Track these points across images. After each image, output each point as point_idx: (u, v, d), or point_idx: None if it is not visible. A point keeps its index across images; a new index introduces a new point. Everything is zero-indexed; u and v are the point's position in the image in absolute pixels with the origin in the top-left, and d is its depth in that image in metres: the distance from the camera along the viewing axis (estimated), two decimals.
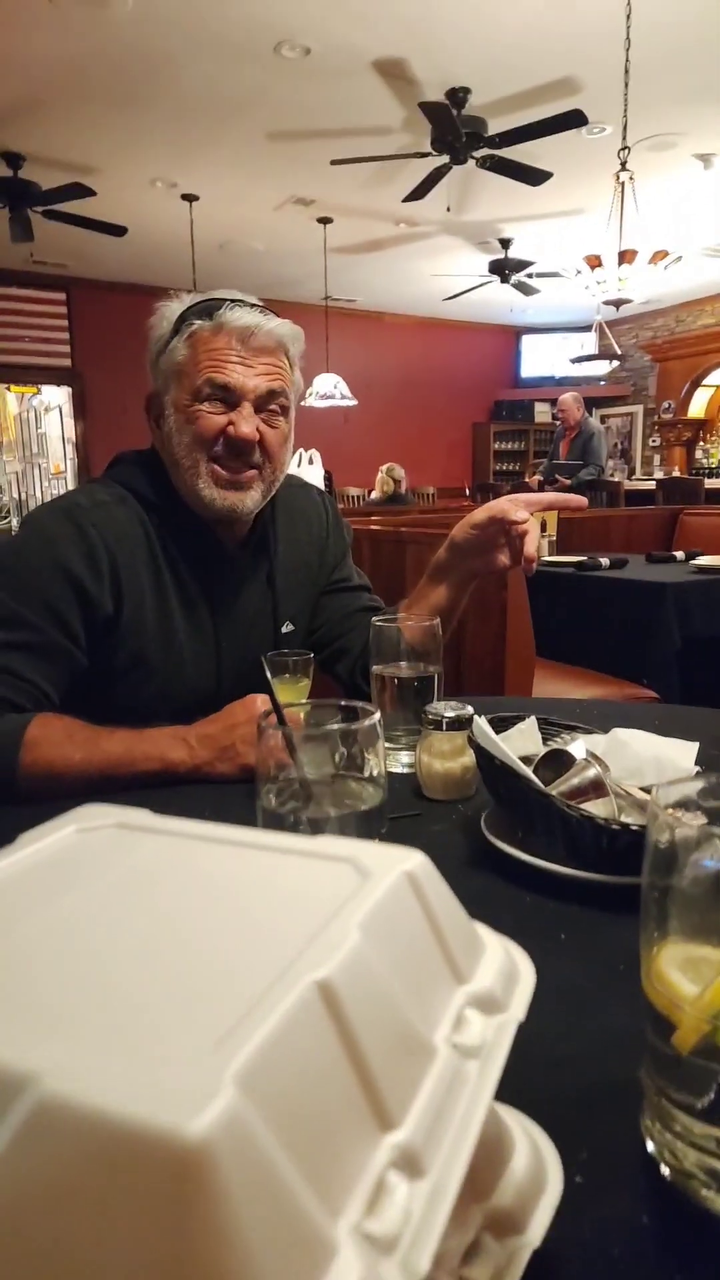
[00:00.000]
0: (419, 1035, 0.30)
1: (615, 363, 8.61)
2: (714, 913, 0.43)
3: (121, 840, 0.41)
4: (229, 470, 1.16)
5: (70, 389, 9.28)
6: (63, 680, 1.11)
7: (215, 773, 1.00)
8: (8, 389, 10.13)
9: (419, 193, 5.84)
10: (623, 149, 4.54)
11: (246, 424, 1.14)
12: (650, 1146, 0.43)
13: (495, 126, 5.14)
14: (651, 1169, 0.43)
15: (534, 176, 5.50)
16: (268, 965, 0.28)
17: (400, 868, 0.35)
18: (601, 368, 9.20)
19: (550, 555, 3.93)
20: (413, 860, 0.36)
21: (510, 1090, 0.41)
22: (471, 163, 5.33)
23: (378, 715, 0.65)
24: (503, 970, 0.36)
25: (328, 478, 7.66)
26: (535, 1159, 0.37)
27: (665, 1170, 0.42)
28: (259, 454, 1.17)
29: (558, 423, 7.51)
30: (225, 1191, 0.21)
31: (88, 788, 0.95)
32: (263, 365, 1.15)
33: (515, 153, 5.24)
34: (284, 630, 1.31)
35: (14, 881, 0.37)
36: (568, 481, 6.72)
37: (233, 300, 1.16)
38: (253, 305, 1.17)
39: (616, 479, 8.43)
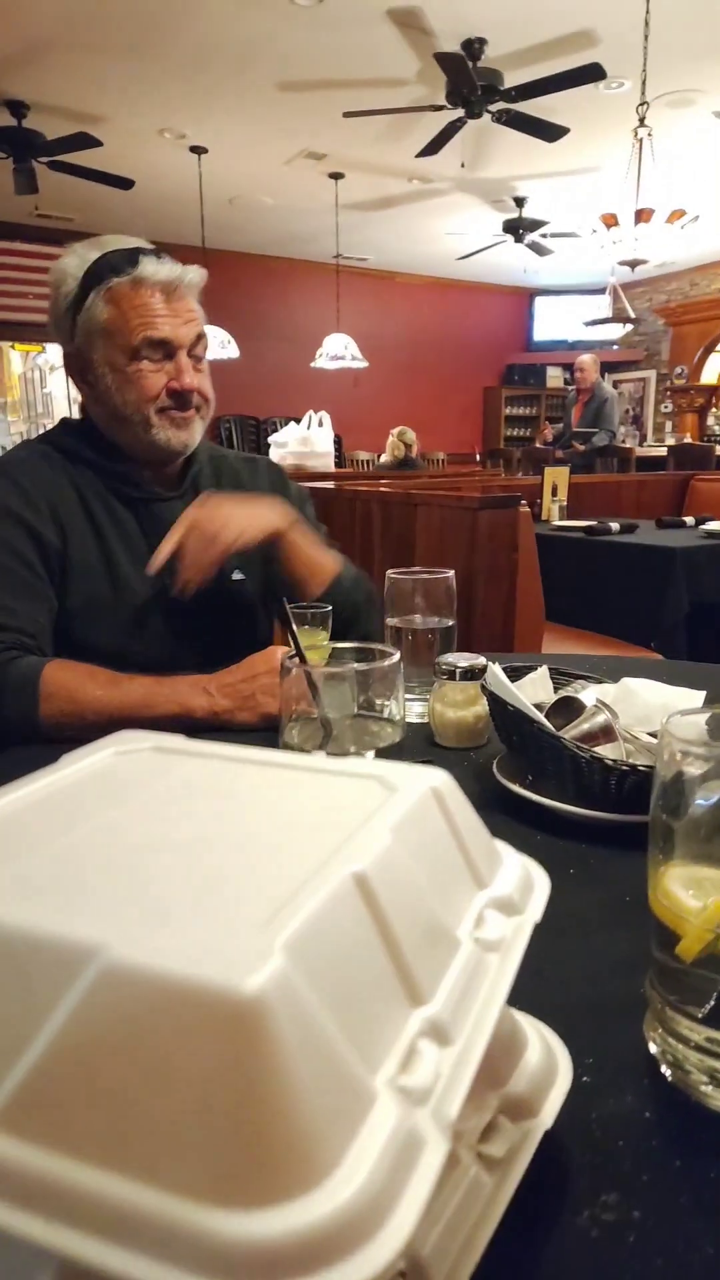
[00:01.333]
0: (445, 928, 0.33)
1: (629, 326, 8.51)
2: (716, 837, 0.45)
3: (160, 761, 0.44)
4: (177, 413, 1.23)
5: None
6: (46, 619, 1.17)
7: (235, 721, 1.02)
8: (12, 347, 9.97)
9: (433, 147, 5.73)
10: (641, 104, 4.45)
11: (189, 375, 1.22)
12: (653, 1049, 0.46)
13: (511, 79, 5.02)
14: (654, 1071, 0.46)
15: (550, 132, 5.39)
16: (308, 860, 0.31)
17: (426, 783, 0.38)
18: (615, 331, 9.09)
19: (560, 520, 3.93)
20: (437, 777, 0.38)
21: (526, 1002, 0.44)
22: (487, 117, 5.22)
23: (397, 656, 0.67)
24: (520, 879, 0.38)
25: (337, 441, 7.64)
26: (547, 1054, 0.40)
27: (667, 1071, 0.45)
28: (196, 396, 1.24)
29: (570, 388, 7.46)
30: (278, 1040, 0.24)
31: (108, 727, 0.98)
32: (186, 313, 1.22)
33: (531, 107, 5.13)
34: (234, 578, 1.33)
35: (62, 794, 0.39)
36: (582, 447, 6.67)
37: (136, 250, 1.20)
38: (153, 252, 1.22)
39: (628, 445, 8.38)
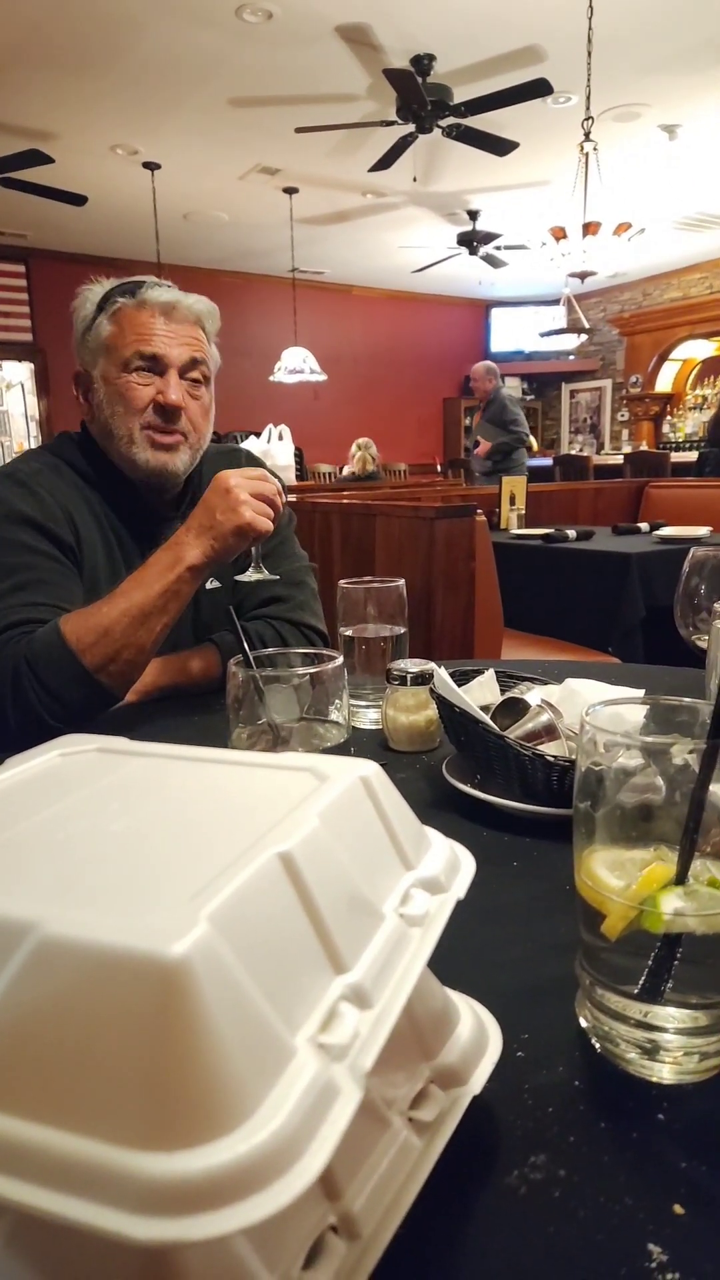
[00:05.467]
0: (370, 903, 0.35)
1: (583, 337, 8.64)
2: (636, 821, 0.48)
3: (103, 761, 0.45)
4: (159, 434, 1.26)
5: (32, 365, 9.08)
6: (76, 597, 1.18)
7: (231, 551, 1.12)
8: None
9: (385, 162, 5.81)
10: (586, 119, 4.55)
11: (174, 391, 1.25)
12: (584, 1024, 0.49)
13: (461, 95, 5.11)
14: (584, 1044, 0.48)
15: (500, 146, 5.48)
16: (237, 843, 0.33)
17: (356, 773, 0.40)
18: (570, 342, 9.23)
19: (519, 528, 3.98)
20: (367, 768, 0.41)
21: (466, 984, 0.46)
22: (437, 132, 5.30)
23: (340, 660, 0.70)
24: (447, 861, 0.40)
25: (298, 454, 7.65)
26: (479, 1028, 0.42)
27: (596, 1044, 0.48)
28: (184, 420, 1.27)
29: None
30: (201, 1001, 0.26)
31: (133, 634, 1.06)
32: (184, 336, 1.26)
33: (481, 122, 5.22)
34: (208, 586, 1.35)
35: (6, 794, 0.41)
36: (486, 444, 6.45)
37: (153, 282, 1.27)
38: (169, 287, 1.28)
39: (585, 454, 8.50)
